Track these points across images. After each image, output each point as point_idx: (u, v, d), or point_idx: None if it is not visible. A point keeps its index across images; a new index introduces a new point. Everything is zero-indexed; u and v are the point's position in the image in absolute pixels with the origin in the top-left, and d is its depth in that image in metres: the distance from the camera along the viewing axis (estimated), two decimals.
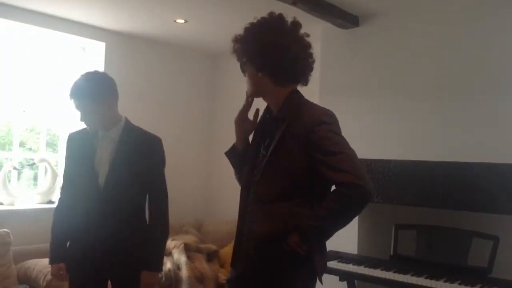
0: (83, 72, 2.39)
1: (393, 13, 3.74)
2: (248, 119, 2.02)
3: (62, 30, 4.17)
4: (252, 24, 1.87)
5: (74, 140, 2.48)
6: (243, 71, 1.93)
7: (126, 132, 2.42)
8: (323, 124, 1.76)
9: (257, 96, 1.96)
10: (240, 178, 2.04)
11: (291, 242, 1.74)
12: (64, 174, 2.52)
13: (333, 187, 1.74)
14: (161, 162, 2.49)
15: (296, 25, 1.87)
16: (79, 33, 4.30)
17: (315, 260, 1.80)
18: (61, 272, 2.43)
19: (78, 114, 2.37)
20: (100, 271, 2.35)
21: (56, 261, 2.44)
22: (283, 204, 1.80)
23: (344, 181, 1.67)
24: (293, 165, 1.79)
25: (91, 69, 2.46)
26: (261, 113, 2.03)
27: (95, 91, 2.31)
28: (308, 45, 1.88)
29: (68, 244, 2.45)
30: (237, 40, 1.89)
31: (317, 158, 1.73)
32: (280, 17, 1.87)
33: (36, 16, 3.94)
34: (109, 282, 2.46)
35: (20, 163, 4.40)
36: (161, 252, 2.49)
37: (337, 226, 1.75)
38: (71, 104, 2.36)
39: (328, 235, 1.77)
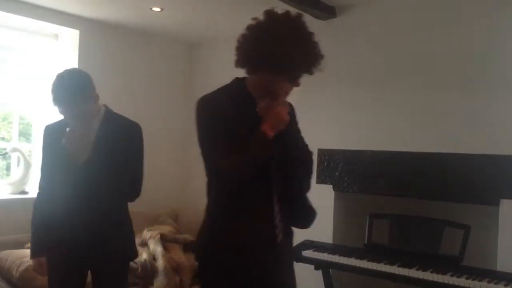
0: (58, 76, 2.24)
1: (370, 3, 3.75)
2: None
3: (34, 17, 4.06)
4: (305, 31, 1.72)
5: (51, 132, 2.42)
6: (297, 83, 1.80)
7: (106, 120, 2.38)
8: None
9: None
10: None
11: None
12: (41, 166, 2.46)
13: None
14: (139, 147, 2.43)
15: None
16: (52, 20, 4.20)
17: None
18: (42, 266, 2.39)
19: (65, 118, 2.27)
20: (80, 262, 2.31)
21: (37, 255, 2.40)
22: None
23: None
24: None
25: (63, 70, 2.30)
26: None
27: (85, 92, 2.24)
28: None
29: (49, 235, 2.38)
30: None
31: None
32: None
33: (7, 2, 3.84)
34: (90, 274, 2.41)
35: None
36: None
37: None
38: (56, 109, 2.24)
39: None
